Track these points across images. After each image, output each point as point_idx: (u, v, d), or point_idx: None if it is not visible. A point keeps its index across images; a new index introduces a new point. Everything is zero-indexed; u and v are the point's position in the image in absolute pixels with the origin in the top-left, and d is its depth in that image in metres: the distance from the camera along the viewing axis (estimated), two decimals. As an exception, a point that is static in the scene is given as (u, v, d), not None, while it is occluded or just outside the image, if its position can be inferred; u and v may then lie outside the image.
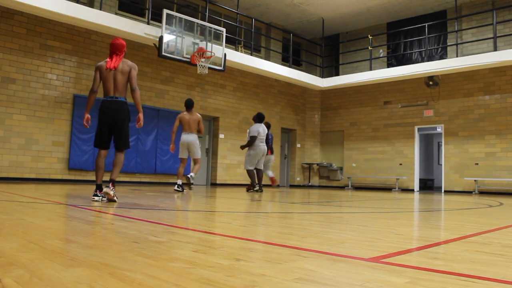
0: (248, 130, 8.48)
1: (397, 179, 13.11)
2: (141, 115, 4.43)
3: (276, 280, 1.31)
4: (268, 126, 8.94)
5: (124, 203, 4.29)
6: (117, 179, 4.50)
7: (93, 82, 4.44)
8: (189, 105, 7.45)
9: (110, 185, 4.28)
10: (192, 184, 7.47)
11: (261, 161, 8.40)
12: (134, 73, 4.40)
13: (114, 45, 4.46)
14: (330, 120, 15.22)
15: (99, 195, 4.35)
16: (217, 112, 12.45)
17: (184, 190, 7.08)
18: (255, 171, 8.34)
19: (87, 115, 4.45)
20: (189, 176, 7.29)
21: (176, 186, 7.06)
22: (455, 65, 11.18)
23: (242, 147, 8.46)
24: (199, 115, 7.53)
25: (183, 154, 7.36)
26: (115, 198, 4.26)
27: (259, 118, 8.44)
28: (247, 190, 8.43)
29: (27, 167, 8.88)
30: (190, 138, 7.29)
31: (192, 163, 7.90)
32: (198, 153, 7.40)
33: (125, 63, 4.41)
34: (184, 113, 7.44)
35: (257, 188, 8.28)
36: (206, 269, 1.43)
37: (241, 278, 1.32)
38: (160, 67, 11.15)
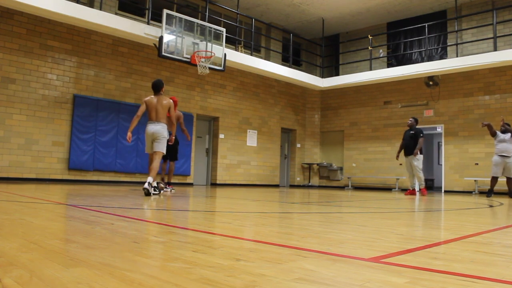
0: None
1: (397, 179, 13.10)
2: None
3: (276, 280, 1.31)
4: None
5: (124, 203, 4.29)
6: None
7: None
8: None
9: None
10: None
11: None
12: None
13: None
14: (330, 120, 15.21)
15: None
16: (217, 112, 12.44)
17: None
18: None
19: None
20: None
21: None
22: (455, 65, 11.17)
23: None
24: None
25: None
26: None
27: None
28: None
29: (27, 167, 8.87)
30: None
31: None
32: None
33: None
34: None
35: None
36: (206, 269, 1.43)
37: (241, 278, 1.32)
38: (160, 67, 11.15)
